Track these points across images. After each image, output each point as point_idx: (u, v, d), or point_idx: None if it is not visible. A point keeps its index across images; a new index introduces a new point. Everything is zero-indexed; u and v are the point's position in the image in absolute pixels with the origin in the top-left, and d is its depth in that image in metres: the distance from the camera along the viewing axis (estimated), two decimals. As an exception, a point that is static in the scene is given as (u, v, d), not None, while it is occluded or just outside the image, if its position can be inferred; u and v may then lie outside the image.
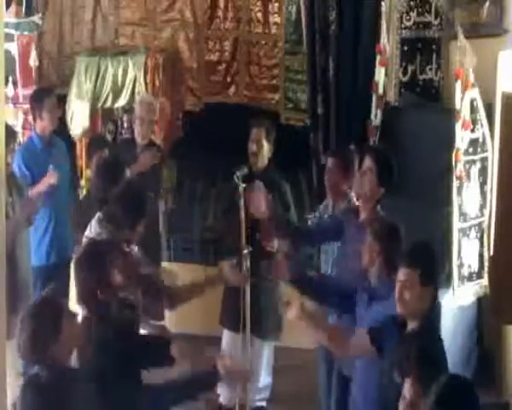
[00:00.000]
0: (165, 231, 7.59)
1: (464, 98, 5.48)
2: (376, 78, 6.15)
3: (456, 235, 5.58)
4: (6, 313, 4.37)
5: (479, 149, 5.66)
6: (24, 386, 3.43)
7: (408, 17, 6.55)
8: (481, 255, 5.77)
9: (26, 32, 7.82)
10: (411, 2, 6.53)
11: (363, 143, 5.95)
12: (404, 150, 5.86)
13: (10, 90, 7.51)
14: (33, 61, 7.85)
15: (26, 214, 5.59)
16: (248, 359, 5.50)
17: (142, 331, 4.63)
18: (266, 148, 5.99)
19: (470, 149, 5.60)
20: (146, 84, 7.63)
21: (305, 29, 6.99)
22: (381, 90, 6.14)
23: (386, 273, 4.26)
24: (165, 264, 7.08)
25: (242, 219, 5.33)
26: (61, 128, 7.08)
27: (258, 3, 7.87)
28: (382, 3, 6.32)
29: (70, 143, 7.47)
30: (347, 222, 5.03)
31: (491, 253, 5.83)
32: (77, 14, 8.16)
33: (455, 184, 5.52)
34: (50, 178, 6.18)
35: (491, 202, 5.78)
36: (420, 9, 6.52)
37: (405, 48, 6.59)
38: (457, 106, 5.48)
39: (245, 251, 5.27)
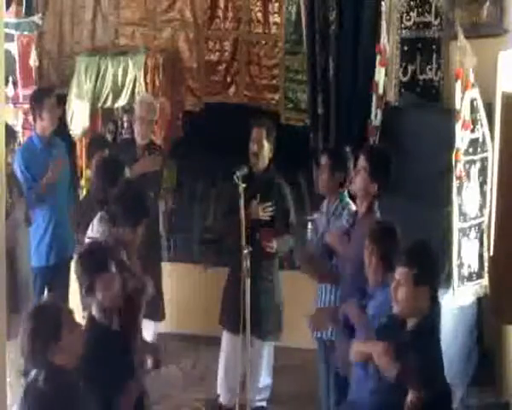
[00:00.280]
0: (165, 231, 7.60)
1: (464, 98, 5.48)
2: (376, 78, 6.15)
3: (456, 235, 5.57)
4: (6, 313, 4.36)
5: (479, 149, 5.66)
6: (24, 392, 3.42)
7: (408, 17, 6.55)
8: (481, 255, 5.76)
9: (26, 32, 7.83)
10: (411, 2, 6.53)
11: (362, 144, 5.94)
12: (404, 150, 5.86)
13: (10, 90, 7.52)
14: (33, 61, 7.86)
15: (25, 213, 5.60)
16: (248, 359, 5.50)
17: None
18: (267, 148, 5.99)
19: (470, 149, 5.60)
20: (146, 84, 7.64)
21: (305, 29, 6.99)
22: (381, 90, 6.14)
23: (383, 273, 4.27)
24: (165, 264, 7.08)
25: (242, 219, 5.33)
26: (61, 128, 7.08)
27: (258, 3, 7.87)
28: (382, 3, 6.32)
29: (70, 143, 7.47)
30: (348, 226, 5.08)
31: (491, 253, 5.83)
32: (77, 14, 8.17)
33: (455, 184, 5.51)
34: (57, 169, 6.16)
35: (491, 202, 5.78)
36: (420, 9, 6.52)
37: (405, 48, 6.59)
38: (457, 106, 5.47)
39: (245, 251, 5.27)
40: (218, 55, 8.03)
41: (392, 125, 6.15)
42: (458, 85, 5.47)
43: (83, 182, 7.67)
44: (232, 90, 8.03)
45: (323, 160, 5.48)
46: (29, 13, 7.88)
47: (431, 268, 3.89)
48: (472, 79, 5.49)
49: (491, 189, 5.77)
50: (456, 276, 5.59)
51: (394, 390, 3.75)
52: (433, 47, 6.52)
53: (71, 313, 3.53)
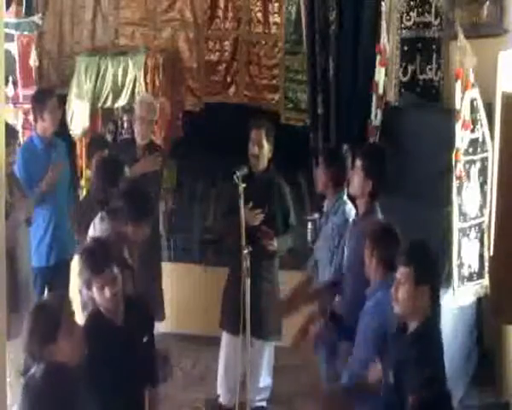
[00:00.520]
0: (165, 231, 7.60)
1: (464, 98, 5.47)
2: (376, 78, 6.15)
3: (456, 235, 5.57)
4: (6, 314, 4.36)
5: (479, 149, 5.65)
6: (23, 387, 3.42)
7: (408, 17, 6.55)
8: (481, 255, 5.76)
9: (26, 32, 7.83)
10: (411, 2, 6.53)
11: (362, 144, 5.95)
12: (404, 150, 5.86)
13: (10, 90, 7.52)
14: (33, 61, 7.86)
15: (25, 213, 5.60)
16: (248, 359, 5.50)
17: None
18: (266, 149, 5.99)
19: (470, 149, 5.59)
20: (146, 84, 7.64)
21: (305, 29, 6.99)
22: (381, 90, 6.14)
23: (383, 274, 4.27)
24: (165, 264, 7.08)
25: (242, 218, 5.33)
26: (62, 128, 7.08)
27: (258, 3, 7.88)
28: (382, 3, 6.32)
29: (70, 143, 7.47)
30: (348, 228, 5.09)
31: (491, 253, 5.82)
32: (77, 14, 8.17)
33: (455, 184, 5.51)
34: (56, 171, 6.15)
35: (491, 202, 5.78)
36: (420, 9, 6.52)
37: (405, 48, 6.59)
38: (457, 106, 5.47)
39: (245, 251, 5.27)
40: (218, 55, 8.04)
41: (392, 125, 6.15)
42: (458, 85, 5.47)
43: (83, 182, 7.67)
44: (232, 90, 8.03)
45: (320, 159, 5.53)
46: (29, 13, 7.88)
47: (431, 267, 3.89)
48: (472, 79, 5.49)
49: (492, 189, 5.77)
50: (456, 276, 5.59)
51: (396, 391, 3.75)
52: (433, 47, 6.52)
53: (71, 314, 3.52)
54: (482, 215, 5.73)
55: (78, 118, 7.76)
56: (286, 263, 6.53)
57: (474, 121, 5.58)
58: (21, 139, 7.10)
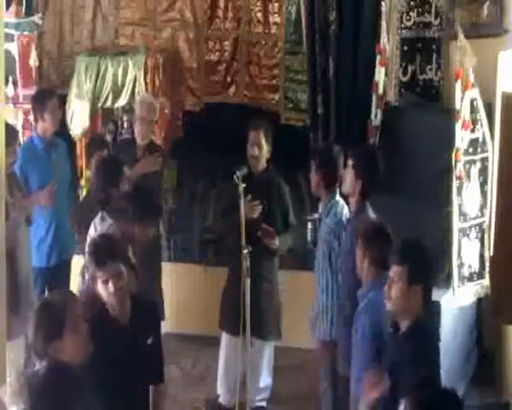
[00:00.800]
0: (165, 231, 7.59)
1: (464, 98, 5.48)
2: (376, 78, 6.15)
3: (456, 235, 5.57)
4: (6, 314, 4.36)
5: (479, 149, 5.66)
6: (26, 382, 3.42)
7: (408, 17, 6.55)
8: (482, 256, 5.76)
9: (26, 32, 7.83)
10: (411, 2, 6.53)
11: (357, 144, 5.95)
12: (404, 150, 5.87)
13: (10, 90, 7.51)
14: (33, 61, 7.86)
15: (24, 213, 5.59)
16: (248, 360, 5.50)
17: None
18: (265, 149, 5.98)
19: (470, 149, 5.60)
20: (146, 84, 7.64)
21: (305, 29, 7.00)
22: (381, 90, 6.14)
23: (376, 274, 4.27)
24: (165, 264, 7.08)
25: (242, 218, 5.33)
26: (62, 128, 7.08)
27: (258, 3, 7.87)
28: (382, 3, 6.32)
29: (70, 143, 7.47)
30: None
31: (491, 253, 5.83)
32: (77, 14, 8.17)
33: (455, 184, 5.51)
34: (48, 198, 6.07)
35: (491, 202, 5.78)
36: (420, 9, 6.52)
37: (405, 48, 6.59)
38: (457, 106, 5.47)
39: (245, 251, 5.27)
40: (218, 55, 8.03)
41: (392, 125, 6.15)
42: (458, 85, 5.47)
43: (83, 182, 7.67)
44: (232, 90, 8.03)
45: (312, 160, 5.52)
46: (29, 13, 7.87)
47: (425, 267, 3.89)
48: (472, 79, 5.49)
49: (492, 189, 5.77)
50: (457, 276, 5.59)
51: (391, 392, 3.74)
52: (433, 47, 6.53)
53: (77, 312, 3.52)
54: (482, 215, 5.73)
55: (78, 118, 7.75)
56: (286, 263, 6.54)
57: (474, 121, 5.58)
58: (21, 139, 7.09)
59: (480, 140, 5.66)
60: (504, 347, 6.04)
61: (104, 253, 4.07)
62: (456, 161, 5.49)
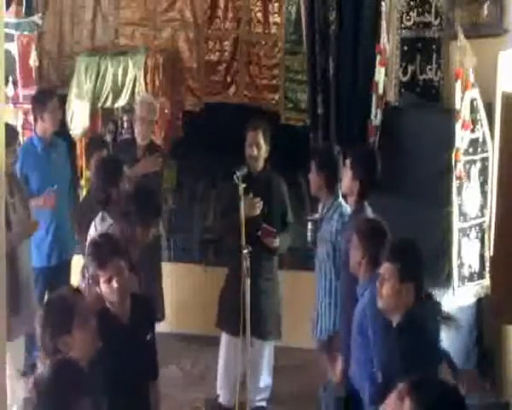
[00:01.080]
0: (165, 231, 7.60)
1: (464, 98, 5.48)
2: (376, 78, 6.15)
3: (456, 235, 5.57)
4: (6, 314, 4.36)
5: (479, 149, 5.66)
6: (33, 382, 3.43)
7: (408, 17, 6.55)
8: (482, 256, 5.76)
9: (26, 32, 7.83)
10: (411, 2, 6.53)
11: (356, 144, 5.95)
12: (404, 150, 5.86)
13: (10, 90, 7.52)
14: (33, 61, 7.86)
15: (25, 235, 5.60)
16: (248, 360, 5.50)
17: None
18: (264, 149, 5.99)
19: (470, 149, 5.60)
20: (146, 84, 7.64)
21: (305, 29, 6.99)
22: (381, 90, 6.14)
23: (373, 272, 4.27)
24: (165, 264, 7.08)
25: (242, 218, 5.33)
26: (62, 128, 7.08)
27: (258, 3, 7.87)
28: (382, 3, 6.32)
29: (70, 143, 7.47)
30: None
31: (491, 253, 5.83)
32: (77, 14, 8.17)
33: (455, 184, 5.51)
34: (47, 202, 6.11)
35: (491, 202, 5.78)
36: (420, 9, 6.51)
37: (405, 48, 6.59)
38: (457, 106, 5.47)
39: (245, 251, 5.27)
40: (218, 55, 8.03)
41: (392, 125, 6.14)
42: (458, 85, 5.47)
43: (83, 182, 7.67)
44: (232, 90, 8.03)
45: (312, 162, 5.49)
46: (29, 13, 7.87)
47: (417, 265, 3.89)
48: (472, 79, 5.49)
49: (492, 189, 5.77)
50: (457, 276, 5.59)
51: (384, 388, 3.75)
52: (433, 47, 6.52)
53: (85, 306, 3.54)
54: (482, 215, 5.73)
55: (78, 118, 7.75)
56: (285, 263, 6.54)
57: (474, 121, 5.58)
58: (21, 139, 7.10)
59: (480, 140, 5.66)
60: (504, 347, 6.03)
61: (106, 252, 4.09)
62: (456, 161, 5.49)
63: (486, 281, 5.76)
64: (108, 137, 7.85)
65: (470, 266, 5.69)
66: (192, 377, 6.74)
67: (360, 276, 4.40)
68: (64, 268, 6.43)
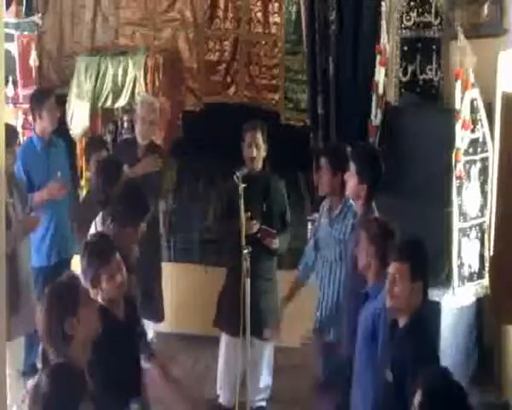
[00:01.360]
0: (165, 231, 7.59)
1: (464, 98, 5.48)
2: (376, 78, 6.15)
3: (456, 235, 5.58)
4: (6, 314, 4.36)
5: (479, 149, 5.66)
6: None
7: (408, 17, 6.55)
8: (482, 256, 5.76)
9: (26, 32, 7.84)
10: (411, 3, 6.53)
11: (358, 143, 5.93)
12: (404, 150, 5.87)
13: (10, 90, 7.52)
14: (33, 61, 7.86)
15: (27, 231, 5.61)
16: (249, 360, 5.50)
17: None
18: (263, 148, 5.98)
19: (470, 149, 5.60)
20: (146, 84, 7.63)
21: (305, 29, 7.00)
22: (381, 90, 6.14)
23: (382, 272, 4.26)
24: (165, 264, 7.08)
25: (243, 218, 5.33)
26: (62, 128, 7.08)
27: (258, 3, 7.88)
28: (382, 3, 6.32)
29: (70, 143, 7.47)
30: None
31: (492, 253, 5.83)
32: (77, 14, 8.17)
33: (455, 184, 5.51)
34: (54, 190, 6.13)
35: (491, 202, 5.78)
36: (420, 9, 6.52)
37: (405, 48, 6.59)
38: (457, 106, 5.48)
39: (245, 251, 5.27)
40: (218, 55, 8.04)
41: (392, 125, 6.15)
42: (458, 85, 5.48)
43: (83, 182, 7.67)
44: (232, 90, 8.03)
45: (323, 160, 5.36)
46: (29, 13, 7.88)
47: (426, 264, 3.91)
48: (472, 79, 5.50)
49: (492, 189, 5.77)
50: (457, 276, 5.60)
51: (391, 386, 3.75)
52: (433, 47, 6.53)
53: (86, 290, 3.60)
54: (482, 215, 5.74)
55: (78, 118, 7.75)
56: (284, 263, 6.54)
57: (474, 121, 5.59)
58: (21, 139, 7.10)
59: (480, 140, 5.66)
60: (504, 347, 6.04)
61: (107, 248, 4.11)
62: (456, 161, 5.49)
63: (486, 281, 5.76)
64: (108, 137, 7.85)
65: (470, 266, 5.70)
66: (192, 377, 6.73)
67: (369, 276, 4.36)
68: (64, 267, 6.39)
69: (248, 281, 5.25)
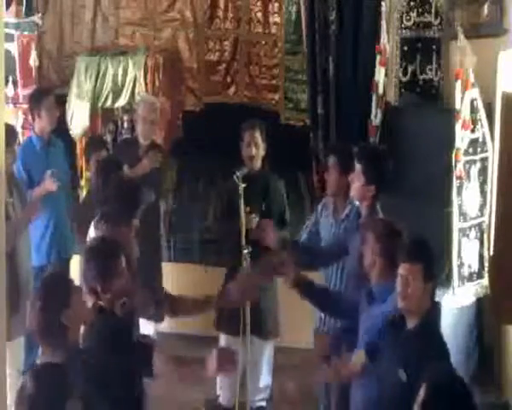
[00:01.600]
0: (165, 231, 7.59)
1: (464, 98, 5.48)
2: (376, 78, 6.15)
3: (456, 235, 5.58)
4: (6, 314, 4.36)
5: (479, 149, 5.66)
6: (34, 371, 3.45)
7: (408, 17, 6.56)
8: (482, 255, 5.76)
9: (26, 32, 7.84)
10: (411, 3, 6.54)
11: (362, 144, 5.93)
12: (404, 150, 5.86)
13: (10, 90, 7.52)
14: (33, 61, 7.87)
15: (28, 218, 5.61)
16: (249, 360, 5.50)
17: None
18: (262, 147, 5.98)
19: (470, 149, 5.60)
20: (146, 84, 7.64)
21: (305, 29, 7.00)
22: (381, 90, 6.14)
23: (388, 273, 4.24)
24: (165, 264, 7.08)
25: (243, 218, 5.33)
26: (62, 128, 7.08)
27: (258, 3, 7.88)
28: (382, 3, 6.32)
29: (70, 143, 7.47)
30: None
31: (491, 253, 5.83)
32: (77, 14, 8.18)
33: (455, 184, 5.51)
34: (48, 185, 6.14)
35: (491, 201, 5.78)
36: (420, 9, 6.53)
37: (405, 48, 6.60)
38: (457, 106, 5.48)
39: (245, 251, 5.26)
40: (218, 55, 8.04)
41: (392, 125, 6.15)
42: (458, 85, 5.48)
43: (83, 182, 7.67)
44: (232, 90, 8.04)
45: (332, 160, 5.28)
46: (29, 13, 7.88)
47: (434, 265, 3.91)
48: (472, 79, 5.50)
49: (492, 189, 5.77)
50: (457, 276, 5.60)
51: (401, 386, 3.75)
52: (433, 47, 6.53)
53: (72, 280, 3.61)
54: (482, 215, 5.74)
55: (78, 118, 7.75)
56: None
57: (474, 121, 5.58)
58: (21, 139, 7.10)
59: (480, 140, 5.66)
60: (504, 347, 6.04)
61: (111, 248, 4.10)
62: (456, 161, 5.49)
63: (486, 281, 5.76)
64: (108, 137, 7.85)
65: (470, 266, 5.70)
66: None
67: (373, 276, 4.34)
68: (64, 267, 6.43)
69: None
